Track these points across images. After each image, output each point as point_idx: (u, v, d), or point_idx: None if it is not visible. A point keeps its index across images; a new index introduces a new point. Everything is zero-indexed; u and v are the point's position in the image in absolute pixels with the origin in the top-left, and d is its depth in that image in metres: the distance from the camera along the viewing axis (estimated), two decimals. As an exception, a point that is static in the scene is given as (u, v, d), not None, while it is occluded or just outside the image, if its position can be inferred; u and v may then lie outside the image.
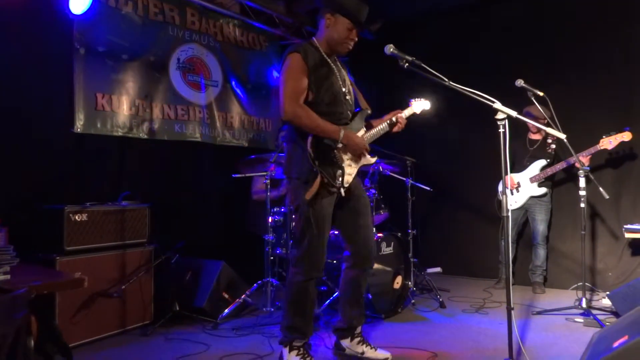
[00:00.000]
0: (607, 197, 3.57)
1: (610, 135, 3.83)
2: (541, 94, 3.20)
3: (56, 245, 3.01)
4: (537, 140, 4.38)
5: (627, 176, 4.27)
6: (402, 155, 4.25)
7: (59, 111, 3.52)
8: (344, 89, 2.59)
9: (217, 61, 4.63)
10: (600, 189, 3.53)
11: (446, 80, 2.40)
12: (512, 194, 4.39)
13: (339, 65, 2.65)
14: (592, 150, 3.86)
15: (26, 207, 3.19)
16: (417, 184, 4.38)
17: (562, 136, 2.69)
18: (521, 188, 4.36)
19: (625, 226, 3.81)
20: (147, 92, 4.03)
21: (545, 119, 3.53)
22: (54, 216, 3.05)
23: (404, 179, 4.28)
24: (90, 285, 2.98)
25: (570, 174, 4.37)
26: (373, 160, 2.68)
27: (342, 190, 2.47)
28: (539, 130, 4.35)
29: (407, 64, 2.42)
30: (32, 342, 1.54)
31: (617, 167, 4.30)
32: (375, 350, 2.69)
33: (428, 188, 4.43)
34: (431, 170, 4.92)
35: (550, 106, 3.29)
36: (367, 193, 3.84)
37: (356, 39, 2.57)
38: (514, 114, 2.38)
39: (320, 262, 2.53)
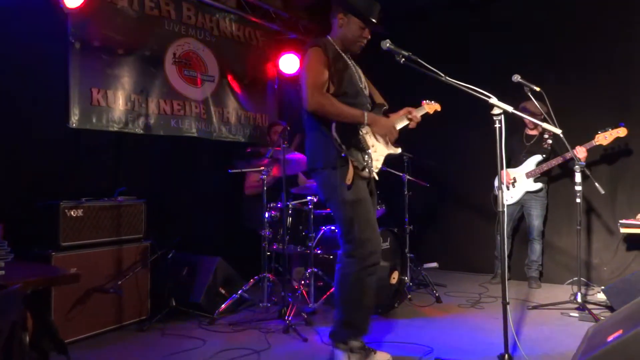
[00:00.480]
0: (603, 192, 3.58)
1: (606, 131, 3.84)
2: (537, 89, 3.20)
3: (52, 240, 3.00)
4: (534, 136, 4.38)
5: (622, 172, 4.29)
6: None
7: (55, 106, 3.50)
8: (361, 84, 2.63)
9: (214, 56, 4.61)
10: (596, 184, 3.54)
11: (442, 75, 2.40)
12: (508, 189, 4.40)
13: (354, 62, 2.68)
14: (588, 145, 3.87)
15: (21, 202, 3.18)
16: (414, 180, 4.39)
17: (558, 131, 2.70)
18: (517, 183, 4.38)
19: (620, 221, 3.82)
20: (142, 87, 4.01)
21: (541, 114, 3.54)
22: (49, 212, 3.04)
23: (401, 174, 4.29)
24: (86, 281, 2.99)
25: (567, 169, 4.38)
26: (398, 150, 2.68)
27: (375, 174, 2.48)
28: (536, 126, 4.36)
29: (403, 59, 2.42)
30: (28, 338, 1.53)
31: (613, 163, 4.32)
32: (375, 353, 2.56)
33: (425, 183, 4.44)
34: (427, 165, 4.92)
35: (547, 101, 3.29)
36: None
37: (369, 37, 2.59)
38: (509, 109, 2.38)
39: (376, 245, 2.48)
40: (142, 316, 3.38)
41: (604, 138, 3.84)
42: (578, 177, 3.48)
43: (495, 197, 4.53)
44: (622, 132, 3.82)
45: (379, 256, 2.49)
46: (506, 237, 4.41)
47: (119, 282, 3.20)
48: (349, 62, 2.60)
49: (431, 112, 3.04)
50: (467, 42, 5.07)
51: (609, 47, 4.34)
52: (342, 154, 2.38)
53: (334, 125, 2.39)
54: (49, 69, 3.47)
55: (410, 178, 4.33)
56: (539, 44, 4.65)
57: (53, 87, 3.50)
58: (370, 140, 2.51)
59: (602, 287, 3.60)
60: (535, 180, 4.31)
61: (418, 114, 2.76)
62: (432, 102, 3.04)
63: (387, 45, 2.42)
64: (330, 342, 2.53)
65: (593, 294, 4.01)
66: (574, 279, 3.79)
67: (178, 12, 4.30)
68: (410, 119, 2.70)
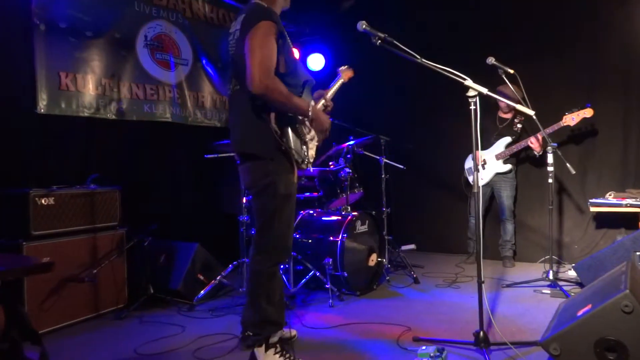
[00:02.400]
0: (574, 172, 3.67)
1: (573, 112, 3.92)
2: (512, 71, 3.23)
3: (22, 230, 2.92)
4: (506, 119, 4.45)
5: (590, 152, 4.40)
6: (376, 133, 4.26)
7: (22, 91, 3.36)
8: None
9: (187, 39, 4.49)
10: (568, 164, 3.63)
11: (418, 57, 2.40)
12: (478, 171, 4.48)
13: None
14: (555, 126, 3.96)
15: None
16: (391, 162, 4.42)
17: (531, 112, 2.74)
18: (487, 165, 4.46)
19: (590, 200, 3.94)
20: (113, 71, 3.89)
21: (517, 98, 3.59)
22: (18, 200, 2.95)
23: (378, 157, 4.31)
24: (60, 270, 2.94)
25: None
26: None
27: (310, 166, 2.37)
28: (510, 110, 4.43)
29: (379, 41, 2.40)
30: (-1, 330, 1.49)
31: (581, 143, 4.42)
32: (283, 330, 2.52)
33: (401, 166, 4.48)
34: (404, 148, 4.96)
35: (521, 84, 3.33)
36: (342, 172, 3.86)
37: None
38: (484, 91, 2.40)
39: (290, 244, 2.42)
40: (119, 304, 3.34)
41: (571, 119, 3.92)
42: (550, 158, 3.56)
43: (466, 180, 4.62)
44: (588, 112, 3.91)
45: (290, 255, 2.41)
46: (475, 218, 4.53)
47: (94, 271, 3.14)
48: (285, 32, 2.33)
49: (346, 79, 2.78)
50: (428, 16, 5.06)
51: (576, 26, 4.40)
52: (282, 147, 2.23)
53: (273, 115, 2.21)
54: (13, 52, 3.32)
55: (388, 161, 4.35)
56: (510, 24, 4.68)
57: (18, 70, 3.36)
58: (304, 128, 2.35)
59: (573, 265, 3.72)
60: (505, 162, 4.39)
61: (330, 95, 2.61)
62: (347, 67, 2.79)
63: (363, 27, 2.39)
64: (245, 345, 2.34)
65: (564, 272, 4.14)
66: (546, 257, 3.90)
67: (149, -8, 4.17)
68: (326, 106, 2.57)
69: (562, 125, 3.94)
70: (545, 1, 4.52)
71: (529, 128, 4.27)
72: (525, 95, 3.37)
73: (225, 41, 5.00)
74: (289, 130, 2.27)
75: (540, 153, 4.14)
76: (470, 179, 4.56)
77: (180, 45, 4.45)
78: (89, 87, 3.72)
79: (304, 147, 2.33)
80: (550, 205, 3.60)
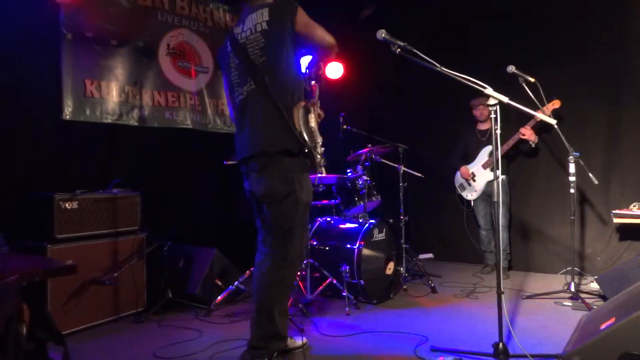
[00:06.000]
0: (597, 182, 3.61)
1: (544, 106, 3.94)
2: (532, 79, 3.21)
3: (46, 233, 2.99)
4: (486, 130, 4.46)
5: (614, 161, 4.31)
6: (394, 141, 4.26)
7: (48, 98, 3.47)
8: None
9: (208, 47, 4.57)
10: (590, 174, 3.57)
11: (437, 65, 2.39)
12: (469, 184, 4.51)
13: None
14: (532, 122, 4.09)
15: (14, 194, 3.16)
16: (409, 171, 4.40)
17: (553, 122, 2.71)
18: (476, 177, 4.51)
19: (613, 211, 3.86)
20: (136, 79, 3.98)
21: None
22: (43, 204, 3.02)
23: (396, 165, 4.30)
24: (82, 273, 3.00)
25: (560, 160, 4.40)
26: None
27: (324, 169, 2.34)
28: (485, 120, 4.47)
29: (399, 50, 2.40)
30: (25, 330, 1.53)
31: (606, 153, 4.33)
32: (293, 338, 2.60)
33: (420, 174, 4.46)
34: (423, 156, 4.95)
35: (541, 91, 3.31)
36: (359, 180, 3.87)
37: None
38: (505, 99, 2.39)
39: (305, 253, 2.42)
40: (138, 308, 3.39)
41: (541, 112, 3.87)
42: (572, 168, 3.51)
43: (460, 196, 4.66)
44: (556, 103, 4.05)
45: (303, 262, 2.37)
46: (487, 230, 4.53)
47: (115, 274, 3.20)
48: None
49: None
50: (466, 31, 5.04)
51: (600, 28, 4.31)
52: (305, 149, 2.22)
53: (300, 111, 2.23)
54: (42, 61, 3.43)
55: (406, 169, 4.34)
56: (532, 31, 4.64)
57: (46, 78, 3.46)
58: (318, 134, 2.35)
59: (595, 277, 3.64)
60: (492, 170, 4.36)
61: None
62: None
63: (383, 35, 2.39)
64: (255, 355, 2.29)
65: (586, 284, 4.05)
66: (568, 268, 3.82)
67: (171, 2, 4.27)
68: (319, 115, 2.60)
69: (537, 120, 4.01)
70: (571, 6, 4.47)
71: (506, 131, 4.22)
72: (546, 103, 3.35)
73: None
74: (310, 132, 2.27)
75: (536, 141, 4.19)
76: (464, 194, 4.65)
77: (201, 53, 4.53)
78: (113, 94, 3.81)
79: (319, 150, 2.30)
80: (572, 215, 3.54)
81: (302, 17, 2.27)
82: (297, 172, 2.26)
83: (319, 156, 2.27)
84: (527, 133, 4.15)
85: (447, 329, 3.02)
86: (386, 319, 3.26)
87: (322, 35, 2.30)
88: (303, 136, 2.24)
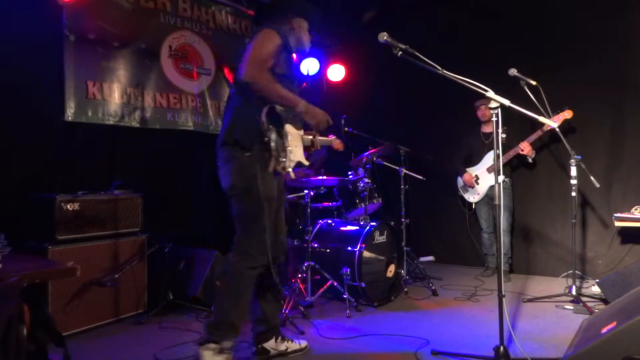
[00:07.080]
0: (598, 185, 3.60)
1: (555, 115, 3.94)
2: (534, 82, 3.21)
3: (48, 234, 3.00)
4: (490, 133, 4.45)
5: (616, 165, 4.31)
6: (395, 144, 4.26)
7: (50, 99, 3.47)
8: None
9: (210, 49, 4.58)
10: (592, 178, 3.56)
11: (439, 68, 2.40)
12: (473, 187, 4.51)
13: None
14: (540, 132, 4.07)
15: (15, 195, 3.17)
16: (411, 173, 4.40)
17: (554, 124, 2.71)
18: (480, 180, 4.50)
19: (615, 215, 3.85)
20: (138, 80, 3.98)
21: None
22: (45, 205, 3.03)
23: (398, 168, 4.30)
24: (83, 275, 2.98)
25: (561, 163, 4.40)
26: (307, 163, 2.50)
27: (291, 172, 2.31)
28: (488, 121, 4.46)
29: (400, 52, 2.40)
30: (25, 331, 1.53)
31: (608, 156, 4.32)
32: (293, 341, 2.65)
33: (421, 177, 4.46)
34: (424, 159, 4.94)
35: (543, 95, 3.30)
36: (360, 182, 3.86)
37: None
38: (507, 102, 2.38)
39: (269, 246, 2.36)
40: (139, 309, 3.39)
41: (553, 122, 3.87)
42: (573, 171, 3.50)
43: (462, 198, 4.64)
44: (568, 114, 3.99)
45: (269, 259, 2.37)
46: (489, 233, 4.52)
47: (116, 276, 3.19)
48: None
49: (334, 147, 3.42)
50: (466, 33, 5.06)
51: (604, 32, 4.30)
52: (265, 139, 2.24)
53: (265, 110, 2.25)
54: (44, 62, 3.44)
55: (407, 172, 4.34)
56: (532, 32, 4.65)
57: (48, 80, 3.47)
58: (291, 141, 2.36)
59: (597, 280, 3.62)
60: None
61: (320, 139, 2.77)
62: (340, 141, 3.36)
63: (384, 38, 2.40)
64: (198, 343, 2.39)
65: (587, 287, 4.04)
66: (569, 272, 3.81)
67: (174, 4, 4.27)
68: (313, 143, 2.68)
69: (545, 130, 4.00)
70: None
71: (514, 136, 4.23)
72: (547, 107, 3.35)
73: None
74: (277, 130, 2.29)
75: (533, 156, 4.22)
76: (466, 196, 4.65)
77: (203, 55, 4.54)
78: (115, 95, 3.81)
79: (284, 152, 2.29)
80: (573, 219, 3.53)
81: (253, 39, 2.37)
82: (256, 166, 2.30)
83: (274, 149, 2.26)
84: (526, 149, 4.15)
85: (448, 331, 3.02)
86: (387, 321, 3.25)
87: (245, 61, 2.31)
88: (264, 128, 2.24)
